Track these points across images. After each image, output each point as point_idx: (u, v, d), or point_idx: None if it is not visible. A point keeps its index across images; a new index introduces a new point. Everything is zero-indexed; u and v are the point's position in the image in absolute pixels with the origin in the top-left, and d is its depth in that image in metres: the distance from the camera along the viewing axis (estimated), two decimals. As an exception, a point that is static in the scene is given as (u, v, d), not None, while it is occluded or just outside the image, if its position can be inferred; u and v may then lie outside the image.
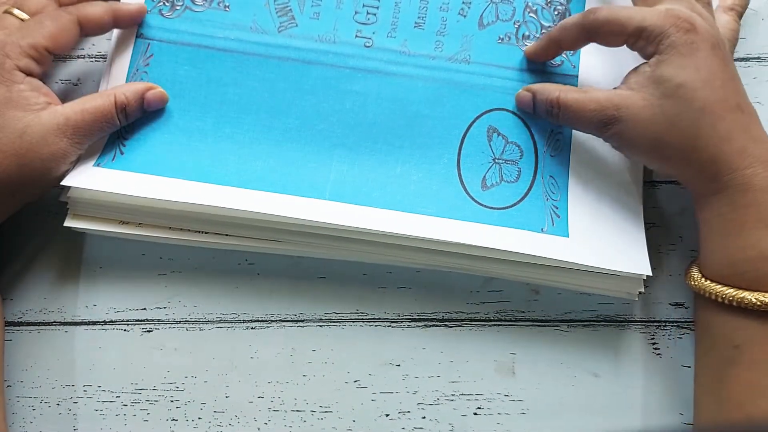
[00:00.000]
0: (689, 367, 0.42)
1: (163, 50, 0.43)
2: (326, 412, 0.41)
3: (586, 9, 0.45)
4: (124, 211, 0.41)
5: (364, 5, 0.44)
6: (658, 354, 0.42)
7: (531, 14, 0.45)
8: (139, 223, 0.41)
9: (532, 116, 0.43)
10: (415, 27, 0.44)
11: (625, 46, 0.39)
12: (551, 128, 0.43)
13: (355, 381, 0.42)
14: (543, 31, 0.44)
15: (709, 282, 0.38)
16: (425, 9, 0.44)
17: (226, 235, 0.41)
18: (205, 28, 0.43)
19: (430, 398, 0.41)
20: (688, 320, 0.43)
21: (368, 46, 0.44)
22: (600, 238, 0.41)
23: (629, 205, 0.42)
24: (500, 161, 0.42)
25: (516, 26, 0.44)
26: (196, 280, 0.43)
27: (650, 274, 0.39)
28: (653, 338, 0.42)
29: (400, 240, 0.40)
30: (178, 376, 0.41)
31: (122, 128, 0.42)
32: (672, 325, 0.42)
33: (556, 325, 0.42)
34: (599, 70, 0.44)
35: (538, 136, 0.43)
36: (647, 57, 0.38)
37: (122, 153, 0.41)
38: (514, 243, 0.40)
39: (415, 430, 0.41)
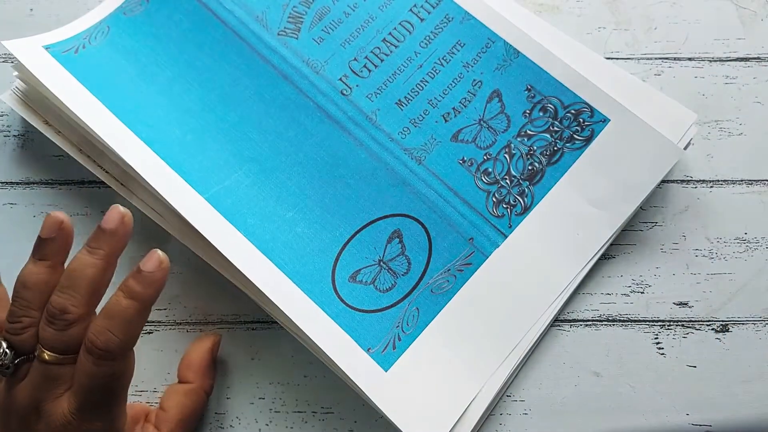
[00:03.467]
0: (695, 367, 0.41)
1: None
2: (327, 413, 0.41)
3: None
4: (54, 114, 0.42)
5: (366, 57, 0.44)
6: (663, 354, 0.41)
7: (505, 155, 0.42)
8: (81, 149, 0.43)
9: (442, 247, 0.40)
10: (395, 104, 0.43)
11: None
12: (449, 266, 0.40)
13: (355, 382, 0.41)
14: (504, 176, 0.42)
15: None
16: (416, 93, 0.43)
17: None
18: None
19: (431, 399, 0.41)
20: (692, 319, 0.42)
21: (344, 95, 0.43)
22: (415, 395, 0.37)
23: (468, 381, 0.38)
24: (384, 266, 0.40)
25: (485, 158, 0.42)
26: (196, 281, 0.43)
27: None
28: (657, 338, 0.42)
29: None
30: (179, 378, 0.41)
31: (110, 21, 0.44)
32: (676, 325, 0.42)
33: (558, 325, 0.42)
34: (534, 237, 0.41)
35: (433, 266, 0.40)
36: None
37: (84, 48, 0.43)
38: (327, 339, 0.38)
39: (416, 431, 0.41)
